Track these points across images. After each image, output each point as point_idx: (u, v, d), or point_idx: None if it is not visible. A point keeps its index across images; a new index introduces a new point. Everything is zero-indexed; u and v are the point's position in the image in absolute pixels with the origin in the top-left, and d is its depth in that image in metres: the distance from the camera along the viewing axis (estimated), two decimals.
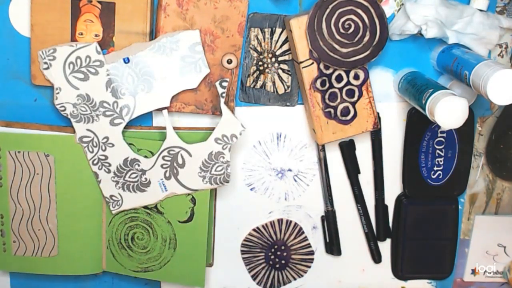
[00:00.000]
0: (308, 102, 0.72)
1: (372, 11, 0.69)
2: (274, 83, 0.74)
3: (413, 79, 0.72)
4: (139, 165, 0.72)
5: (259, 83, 0.74)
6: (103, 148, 0.70)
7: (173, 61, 0.69)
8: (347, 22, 0.69)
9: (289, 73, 0.74)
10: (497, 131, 0.79)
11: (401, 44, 0.74)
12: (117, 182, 0.72)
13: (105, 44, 0.70)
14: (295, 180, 0.79)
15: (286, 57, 0.73)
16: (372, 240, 0.82)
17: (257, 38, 0.72)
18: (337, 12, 0.68)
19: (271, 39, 0.73)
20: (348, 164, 0.78)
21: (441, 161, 0.78)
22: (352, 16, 0.69)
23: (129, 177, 0.72)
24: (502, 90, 0.61)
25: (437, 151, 0.77)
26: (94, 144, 0.70)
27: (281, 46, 0.73)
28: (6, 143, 0.71)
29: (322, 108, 0.72)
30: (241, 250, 0.81)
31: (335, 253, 0.81)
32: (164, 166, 0.72)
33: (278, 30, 0.72)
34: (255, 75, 0.74)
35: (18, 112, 0.72)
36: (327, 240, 0.81)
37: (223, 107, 0.70)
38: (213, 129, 0.73)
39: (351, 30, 0.69)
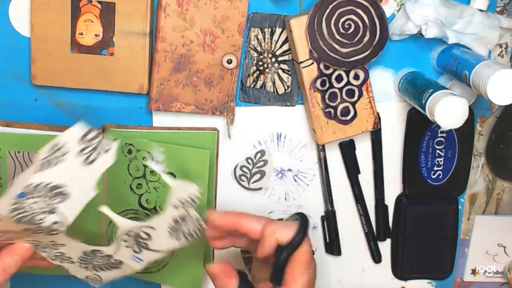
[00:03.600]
0: (308, 102, 0.72)
1: (372, 11, 0.69)
2: (274, 83, 0.74)
3: (413, 79, 0.72)
4: (102, 253, 0.65)
5: (259, 83, 0.74)
6: (55, 248, 0.64)
7: (72, 162, 0.60)
8: (347, 22, 0.69)
9: (289, 73, 0.74)
10: (497, 131, 0.79)
11: (401, 44, 0.74)
12: (87, 267, 0.67)
13: (105, 44, 0.70)
14: (295, 180, 0.79)
15: (286, 57, 0.73)
16: (372, 240, 0.82)
17: (257, 38, 0.72)
18: (337, 12, 0.68)
19: (271, 39, 0.73)
20: (348, 164, 0.78)
21: (441, 161, 0.78)
22: (352, 16, 0.69)
23: (97, 261, 0.66)
24: (502, 90, 0.61)
25: (437, 151, 0.78)
26: (44, 246, 0.63)
27: (281, 46, 0.73)
28: (6, 143, 0.71)
29: (322, 108, 0.72)
30: (241, 250, 0.81)
31: (335, 253, 0.81)
32: (129, 245, 0.65)
33: (278, 30, 0.72)
34: (255, 75, 0.74)
35: (18, 112, 0.72)
36: (327, 240, 0.81)
37: (165, 177, 0.64)
38: (213, 129, 0.74)
39: (351, 30, 0.69)
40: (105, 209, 0.63)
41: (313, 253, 0.79)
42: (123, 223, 0.63)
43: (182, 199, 0.62)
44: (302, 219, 0.63)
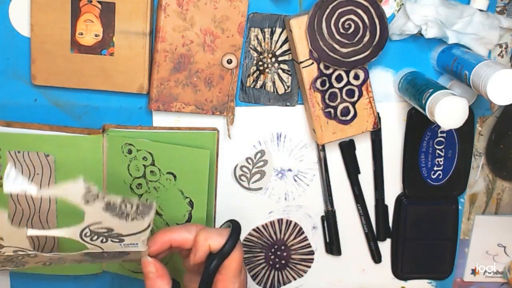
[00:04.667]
0: (308, 102, 0.72)
1: (372, 11, 0.69)
2: (274, 83, 0.74)
3: (413, 79, 0.72)
4: (95, 252, 0.61)
5: (259, 83, 0.74)
6: (61, 261, 0.63)
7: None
8: (347, 22, 0.69)
9: (289, 73, 0.74)
10: (497, 131, 0.79)
11: (401, 44, 0.74)
12: (110, 258, 0.66)
13: (105, 44, 0.70)
14: (295, 180, 0.79)
15: (286, 57, 0.73)
16: (372, 240, 0.82)
17: (257, 38, 0.72)
18: (337, 12, 0.68)
19: (271, 39, 0.73)
20: (348, 164, 0.78)
21: (441, 161, 0.78)
22: (352, 16, 0.69)
23: (104, 256, 0.64)
24: (502, 90, 0.61)
25: (437, 151, 0.77)
26: (53, 262, 0.63)
27: (281, 46, 0.73)
28: (6, 143, 0.71)
29: (322, 108, 0.72)
30: None
31: (335, 253, 0.81)
32: (104, 241, 0.61)
33: (278, 30, 0.72)
34: (255, 75, 0.74)
35: (18, 112, 0.72)
36: (327, 240, 0.81)
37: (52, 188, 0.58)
38: (213, 129, 0.74)
39: (351, 30, 0.69)
40: (31, 231, 0.59)
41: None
42: (60, 233, 0.60)
43: (83, 196, 0.56)
44: (234, 226, 0.63)
